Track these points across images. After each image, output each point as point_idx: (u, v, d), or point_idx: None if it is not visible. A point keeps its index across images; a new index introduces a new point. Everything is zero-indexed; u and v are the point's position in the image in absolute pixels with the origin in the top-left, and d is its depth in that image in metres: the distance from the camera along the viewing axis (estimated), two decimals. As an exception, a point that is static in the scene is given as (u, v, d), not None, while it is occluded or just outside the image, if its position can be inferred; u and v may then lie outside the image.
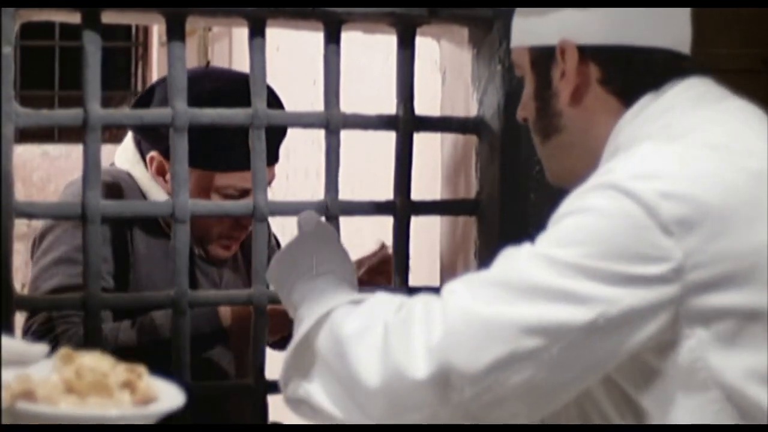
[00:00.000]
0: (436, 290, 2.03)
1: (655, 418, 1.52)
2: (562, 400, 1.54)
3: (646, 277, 1.46)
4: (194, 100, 2.08)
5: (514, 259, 1.52)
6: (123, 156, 2.43)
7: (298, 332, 1.63)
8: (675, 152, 1.53)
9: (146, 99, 2.37)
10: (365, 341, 1.53)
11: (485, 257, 2.23)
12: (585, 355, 1.48)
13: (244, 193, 2.34)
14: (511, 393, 1.48)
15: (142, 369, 1.34)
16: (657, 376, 1.51)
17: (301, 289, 1.70)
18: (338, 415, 1.58)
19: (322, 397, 1.59)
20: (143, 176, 2.39)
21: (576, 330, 1.46)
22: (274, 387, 2.27)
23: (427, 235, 2.63)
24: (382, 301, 1.59)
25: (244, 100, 2.12)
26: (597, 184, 1.51)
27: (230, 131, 2.20)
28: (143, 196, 2.38)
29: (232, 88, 2.29)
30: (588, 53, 1.63)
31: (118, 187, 2.35)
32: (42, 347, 1.40)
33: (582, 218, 1.49)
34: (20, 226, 2.05)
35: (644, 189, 1.47)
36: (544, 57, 1.67)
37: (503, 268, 1.53)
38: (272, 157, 2.33)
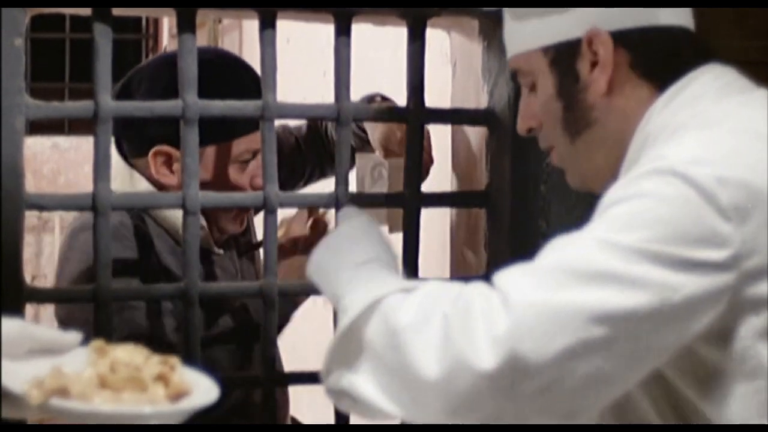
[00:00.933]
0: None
1: (699, 408, 1.51)
2: (621, 391, 1.51)
3: (708, 263, 1.44)
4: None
5: (572, 246, 1.48)
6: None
7: (343, 321, 1.57)
8: (723, 138, 1.51)
9: (126, 91, 2.34)
10: (423, 333, 1.48)
11: (495, 249, 2.23)
12: (649, 343, 1.46)
13: (255, 154, 2.35)
14: (578, 384, 1.44)
15: (175, 360, 1.33)
16: (706, 365, 1.50)
17: (343, 279, 1.64)
18: (390, 408, 1.53)
19: (371, 389, 1.54)
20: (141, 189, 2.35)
21: (642, 317, 1.43)
22: (283, 379, 2.28)
23: (438, 227, 2.63)
24: (438, 290, 1.54)
25: (229, 75, 2.21)
26: (651, 170, 1.48)
27: (236, 94, 2.16)
28: (148, 214, 2.35)
29: (219, 63, 2.32)
30: (618, 39, 1.61)
31: (138, 225, 2.33)
32: (75, 335, 1.39)
33: (640, 203, 1.47)
34: (30, 218, 2.06)
35: (702, 174, 1.45)
36: (566, 53, 1.64)
37: (562, 254, 1.48)
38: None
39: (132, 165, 2.36)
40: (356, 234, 1.72)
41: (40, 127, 6.87)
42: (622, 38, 1.61)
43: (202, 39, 6.21)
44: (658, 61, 1.62)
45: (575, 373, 1.43)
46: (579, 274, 1.44)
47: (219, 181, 2.30)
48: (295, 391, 2.58)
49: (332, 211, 2.18)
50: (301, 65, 4.06)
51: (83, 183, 7.12)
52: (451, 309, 1.48)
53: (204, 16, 2.14)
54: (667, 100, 1.61)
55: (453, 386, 1.45)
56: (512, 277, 1.48)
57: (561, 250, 1.49)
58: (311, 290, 2.16)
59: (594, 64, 1.62)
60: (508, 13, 1.71)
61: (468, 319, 1.45)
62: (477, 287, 1.50)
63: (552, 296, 1.44)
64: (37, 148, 7.49)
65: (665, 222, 1.45)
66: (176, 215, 2.23)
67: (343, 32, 2.13)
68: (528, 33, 1.68)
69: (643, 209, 1.46)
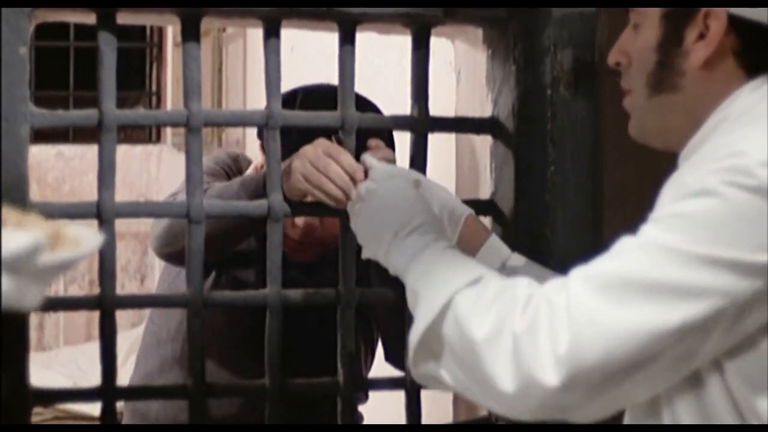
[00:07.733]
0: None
1: (742, 397, 1.53)
2: (662, 390, 1.57)
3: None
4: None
5: (636, 253, 1.51)
6: None
7: (423, 319, 1.64)
8: None
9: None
10: (496, 349, 1.55)
11: (500, 258, 2.22)
12: (708, 349, 1.50)
13: None
14: (634, 394, 1.53)
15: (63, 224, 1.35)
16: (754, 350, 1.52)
17: (399, 250, 1.76)
18: (470, 396, 1.63)
19: (453, 382, 1.64)
20: None
21: (702, 325, 1.47)
22: (290, 385, 2.27)
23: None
24: (505, 298, 1.58)
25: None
26: (727, 167, 1.49)
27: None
28: None
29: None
30: (734, 23, 1.62)
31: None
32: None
33: (707, 204, 1.48)
34: (35, 226, 2.05)
35: None
36: (682, 13, 1.66)
37: (626, 263, 1.51)
38: None
39: None
40: (395, 195, 1.84)
41: (44, 135, 6.87)
42: (738, 25, 1.62)
43: (206, 48, 6.22)
44: (763, 58, 1.63)
45: (633, 386, 1.50)
46: (639, 288, 1.48)
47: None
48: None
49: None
50: (306, 73, 4.06)
51: (88, 191, 7.12)
52: (519, 323, 1.54)
53: (208, 25, 2.14)
54: (755, 86, 1.63)
55: (525, 400, 1.53)
56: (577, 285, 1.53)
57: (626, 256, 1.52)
58: (317, 300, 2.16)
59: (701, 37, 1.64)
60: None
61: (535, 337, 1.52)
62: (544, 292, 1.55)
63: (612, 315, 1.48)
64: (41, 157, 7.49)
65: (730, 227, 1.46)
66: None
67: (347, 40, 2.13)
68: None
69: (709, 210, 1.48)
